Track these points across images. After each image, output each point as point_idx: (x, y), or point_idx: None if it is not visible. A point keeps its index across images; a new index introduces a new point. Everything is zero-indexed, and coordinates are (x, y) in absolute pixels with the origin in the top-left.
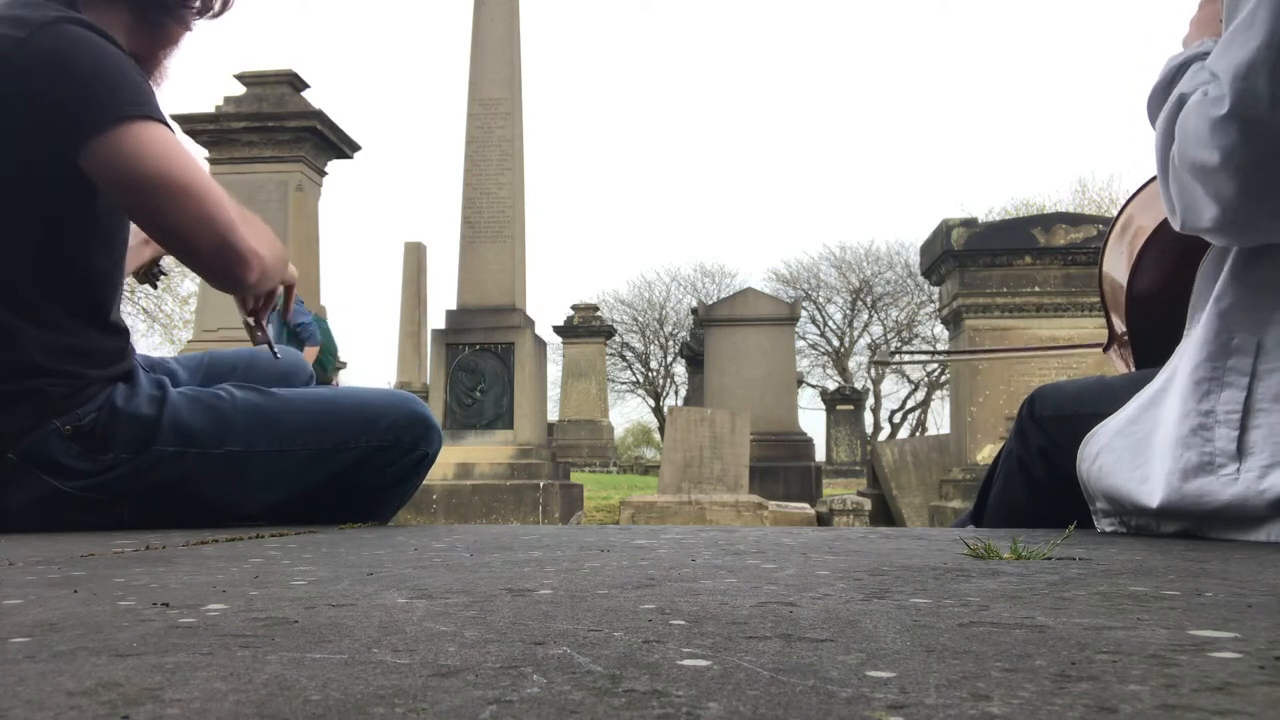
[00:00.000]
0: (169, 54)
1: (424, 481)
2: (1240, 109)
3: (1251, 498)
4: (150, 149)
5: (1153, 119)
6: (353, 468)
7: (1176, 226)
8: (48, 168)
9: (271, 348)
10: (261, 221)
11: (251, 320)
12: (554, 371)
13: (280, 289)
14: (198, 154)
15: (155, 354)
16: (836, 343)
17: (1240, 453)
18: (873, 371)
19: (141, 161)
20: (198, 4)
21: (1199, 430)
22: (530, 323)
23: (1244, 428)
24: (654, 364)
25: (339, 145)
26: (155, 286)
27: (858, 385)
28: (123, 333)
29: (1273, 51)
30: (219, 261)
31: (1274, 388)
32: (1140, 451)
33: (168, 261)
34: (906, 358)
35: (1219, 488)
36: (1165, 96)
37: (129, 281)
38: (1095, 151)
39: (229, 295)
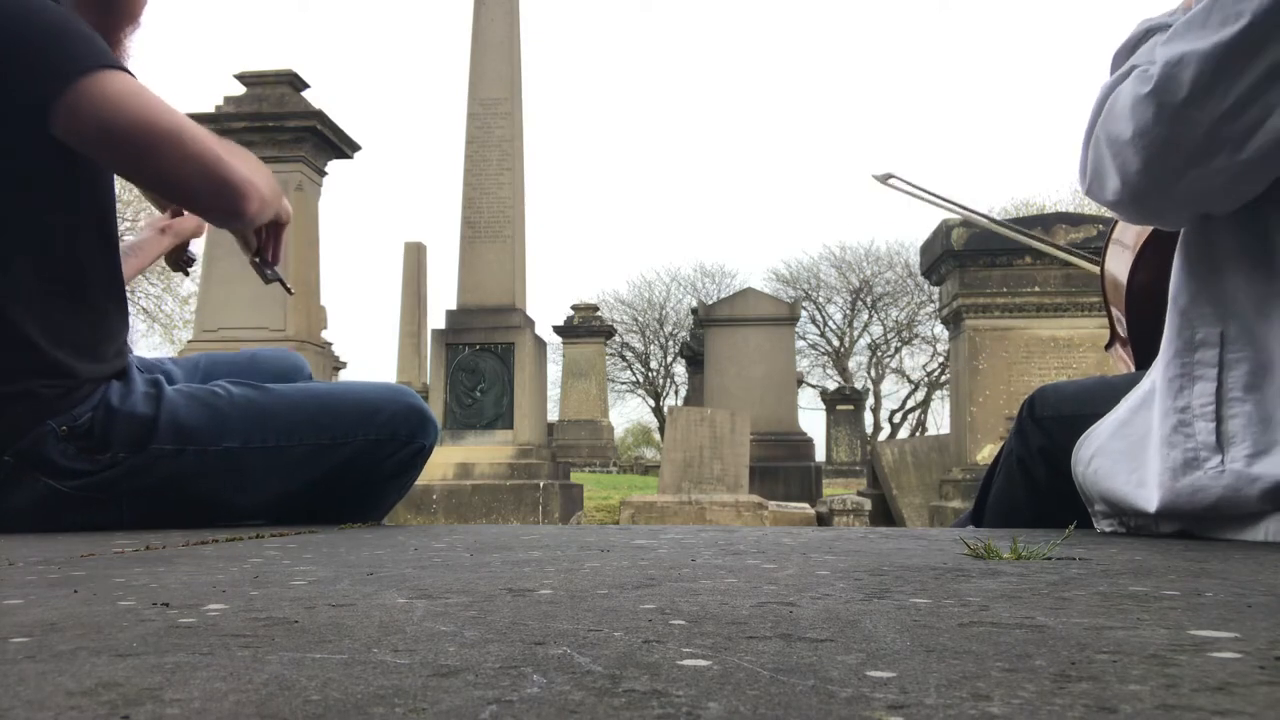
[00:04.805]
0: (130, 32)
1: (424, 481)
2: (1160, 91)
3: (1244, 487)
4: (120, 97)
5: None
6: (350, 462)
7: (1084, 192)
8: (20, 145)
9: (284, 284)
10: (246, 151)
11: (258, 259)
12: (554, 371)
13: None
14: None
15: (154, 354)
16: (836, 343)
17: (1220, 444)
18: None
19: (115, 111)
20: None
21: (1179, 427)
22: (530, 323)
23: (1220, 419)
24: (654, 364)
25: (339, 145)
26: (187, 274)
27: (858, 385)
28: (123, 318)
29: (1210, 51)
30: (217, 199)
31: (1243, 377)
32: (1135, 455)
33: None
34: (904, 185)
35: (1208, 482)
36: (1127, 59)
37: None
38: None
39: (231, 289)
